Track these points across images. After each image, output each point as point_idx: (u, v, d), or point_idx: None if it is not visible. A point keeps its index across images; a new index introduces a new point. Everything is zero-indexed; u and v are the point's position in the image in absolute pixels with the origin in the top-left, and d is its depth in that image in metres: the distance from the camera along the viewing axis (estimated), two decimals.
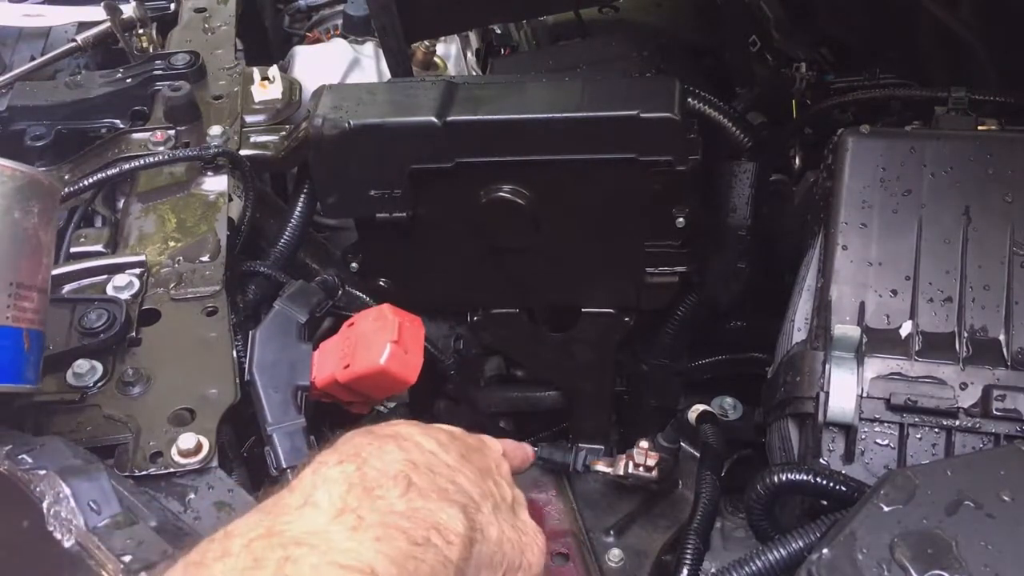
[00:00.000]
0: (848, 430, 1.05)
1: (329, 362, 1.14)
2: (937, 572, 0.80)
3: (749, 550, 0.94)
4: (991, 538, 0.82)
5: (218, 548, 0.70)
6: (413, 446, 0.85)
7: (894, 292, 1.12)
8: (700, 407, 1.53)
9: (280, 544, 0.70)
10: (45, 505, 0.86)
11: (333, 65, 1.78)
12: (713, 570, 0.96)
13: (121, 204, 1.40)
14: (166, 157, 1.38)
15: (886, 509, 0.85)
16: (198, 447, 1.00)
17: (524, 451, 1.11)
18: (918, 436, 1.04)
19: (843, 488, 0.99)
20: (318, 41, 1.96)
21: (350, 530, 0.73)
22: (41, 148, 1.51)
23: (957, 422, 1.03)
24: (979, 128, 1.26)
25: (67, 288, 1.23)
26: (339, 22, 2.00)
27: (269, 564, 0.68)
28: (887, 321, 1.11)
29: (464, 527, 0.80)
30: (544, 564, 0.93)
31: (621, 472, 1.41)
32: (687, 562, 1.18)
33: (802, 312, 1.18)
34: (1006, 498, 0.85)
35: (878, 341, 1.08)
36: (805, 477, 1.01)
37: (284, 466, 1.05)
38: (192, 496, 0.98)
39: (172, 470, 0.99)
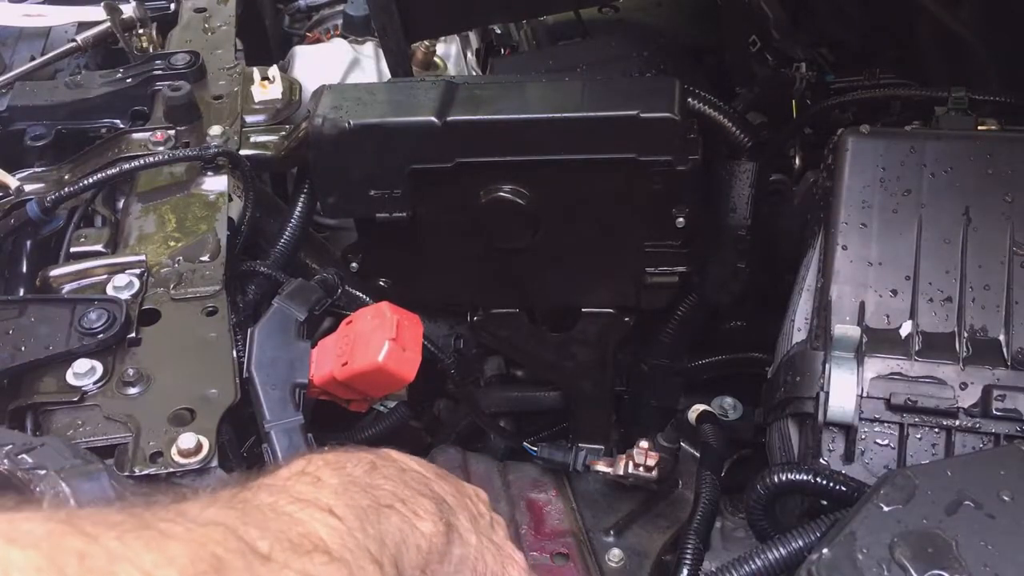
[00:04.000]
0: (848, 430, 1.05)
1: (328, 360, 1.14)
2: (937, 572, 0.80)
3: (749, 549, 0.94)
4: (991, 538, 0.82)
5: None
6: (384, 455, 0.86)
7: (894, 292, 1.12)
8: (700, 407, 1.53)
9: (238, 488, 0.71)
10: (45, 505, 0.85)
11: (333, 65, 1.78)
12: (713, 568, 0.96)
13: (121, 204, 1.40)
14: (166, 157, 1.38)
15: (886, 509, 0.85)
16: (198, 447, 1.00)
17: None
18: (918, 436, 1.04)
19: (843, 488, 0.99)
20: (318, 41, 1.96)
21: (309, 484, 0.74)
22: (41, 148, 1.50)
23: (957, 422, 1.03)
24: (979, 128, 1.26)
25: (67, 288, 1.23)
26: (339, 22, 2.00)
27: (225, 496, 0.69)
28: (887, 321, 1.11)
29: (436, 510, 0.80)
30: None
31: (621, 472, 1.41)
32: (687, 562, 1.18)
33: (802, 312, 1.18)
34: (1006, 498, 0.85)
35: (878, 341, 1.08)
36: (805, 477, 1.01)
37: (282, 463, 1.05)
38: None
39: (172, 470, 0.99)
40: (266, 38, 2.01)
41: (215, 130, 1.44)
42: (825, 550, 0.83)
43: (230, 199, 1.35)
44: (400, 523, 0.75)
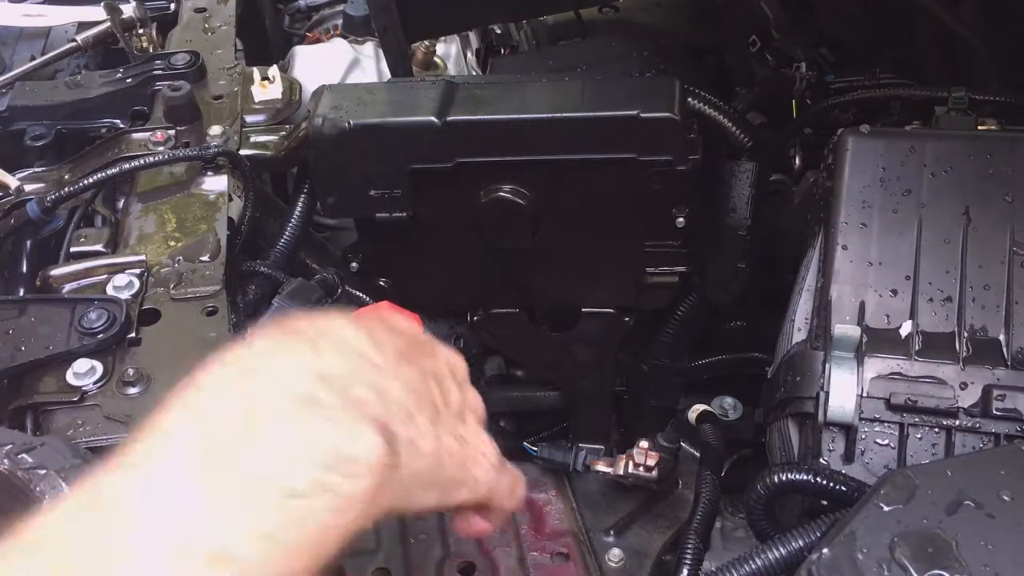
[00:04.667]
0: (848, 430, 1.05)
1: None
2: (937, 572, 0.80)
3: (749, 549, 0.94)
4: (991, 538, 0.82)
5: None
6: (331, 348, 0.70)
7: (894, 292, 1.12)
8: (700, 407, 1.53)
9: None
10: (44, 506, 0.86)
11: (333, 65, 1.78)
12: (713, 568, 0.96)
13: (121, 204, 1.40)
14: (166, 157, 1.38)
15: (886, 509, 0.85)
16: None
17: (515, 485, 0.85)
18: (918, 436, 1.04)
19: (843, 488, 0.99)
20: (318, 41, 1.96)
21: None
22: (41, 148, 1.51)
23: (957, 422, 1.03)
24: (979, 128, 1.26)
25: (67, 288, 1.23)
26: (339, 22, 2.00)
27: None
28: (887, 321, 1.11)
29: (379, 448, 0.66)
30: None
31: (621, 472, 1.41)
32: (687, 562, 1.18)
33: (802, 312, 1.18)
34: (1006, 498, 0.85)
35: (878, 341, 1.08)
36: (805, 477, 1.01)
37: None
38: None
39: None
40: (266, 38, 2.01)
41: (215, 130, 1.44)
42: (825, 550, 0.83)
43: (230, 199, 1.35)
44: (328, 505, 0.63)
